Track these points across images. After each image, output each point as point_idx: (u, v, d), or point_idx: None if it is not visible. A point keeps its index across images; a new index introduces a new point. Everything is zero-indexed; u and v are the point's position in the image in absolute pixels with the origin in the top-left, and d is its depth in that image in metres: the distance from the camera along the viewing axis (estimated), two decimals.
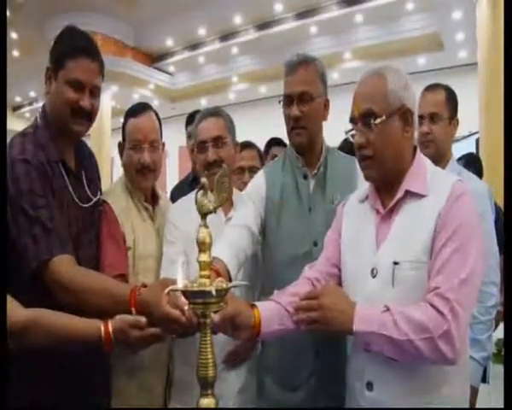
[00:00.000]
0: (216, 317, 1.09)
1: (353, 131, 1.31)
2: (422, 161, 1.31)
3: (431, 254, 1.18)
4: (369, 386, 1.25)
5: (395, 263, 1.21)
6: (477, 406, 1.91)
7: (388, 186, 1.30)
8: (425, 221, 1.20)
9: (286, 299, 1.32)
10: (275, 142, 3.06)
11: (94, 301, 1.36)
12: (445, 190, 1.21)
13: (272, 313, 1.29)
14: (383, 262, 1.23)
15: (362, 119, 1.27)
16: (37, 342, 1.22)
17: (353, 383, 1.32)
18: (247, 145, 2.41)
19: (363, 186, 1.42)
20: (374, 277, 1.25)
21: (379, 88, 1.26)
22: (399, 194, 1.26)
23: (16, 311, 1.21)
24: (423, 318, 1.10)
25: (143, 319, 1.23)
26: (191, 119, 2.43)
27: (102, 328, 1.21)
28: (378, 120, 1.24)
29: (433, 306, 1.11)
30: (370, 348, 1.18)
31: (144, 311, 1.27)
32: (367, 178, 1.33)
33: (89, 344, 1.23)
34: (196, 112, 2.18)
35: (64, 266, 1.38)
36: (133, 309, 1.30)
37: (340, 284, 1.38)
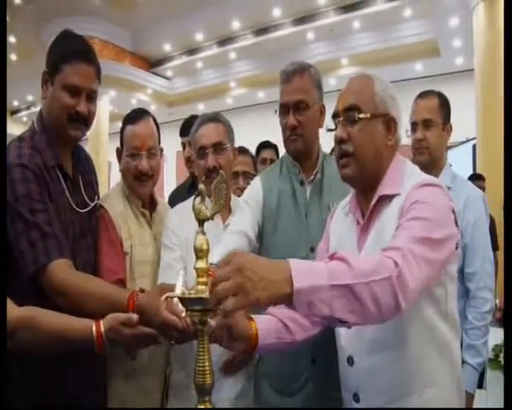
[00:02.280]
0: (213, 322, 1.08)
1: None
2: (399, 164, 1.29)
3: None
4: (356, 397, 1.24)
5: None
6: None
7: (368, 195, 1.29)
8: (392, 219, 1.18)
9: (282, 312, 1.30)
10: (263, 145, 3.11)
11: (92, 305, 1.36)
12: (411, 186, 1.19)
13: (269, 326, 1.28)
14: None
15: (345, 113, 1.26)
16: (30, 341, 1.21)
17: (343, 394, 1.33)
18: (241, 151, 2.42)
19: (349, 196, 1.40)
20: None
21: (366, 88, 1.27)
22: (373, 201, 1.25)
23: (9, 310, 1.20)
24: (379, 259, 0.99)
25: (135, 316, 1.23)
26: (186, 127, 2.40)
27: (94, 327, 1.21)
28: (362, 115, 1.23)
29: (384, 256, 1.01)
30: (314, 311, 0.93)
31: (142, 316, 1.26)
32: (344, 177, 1.29)
33: (81, 343, 1.23)
34: (192, 118, 2.15)
35: (62, 270, 1.38)
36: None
37: None
